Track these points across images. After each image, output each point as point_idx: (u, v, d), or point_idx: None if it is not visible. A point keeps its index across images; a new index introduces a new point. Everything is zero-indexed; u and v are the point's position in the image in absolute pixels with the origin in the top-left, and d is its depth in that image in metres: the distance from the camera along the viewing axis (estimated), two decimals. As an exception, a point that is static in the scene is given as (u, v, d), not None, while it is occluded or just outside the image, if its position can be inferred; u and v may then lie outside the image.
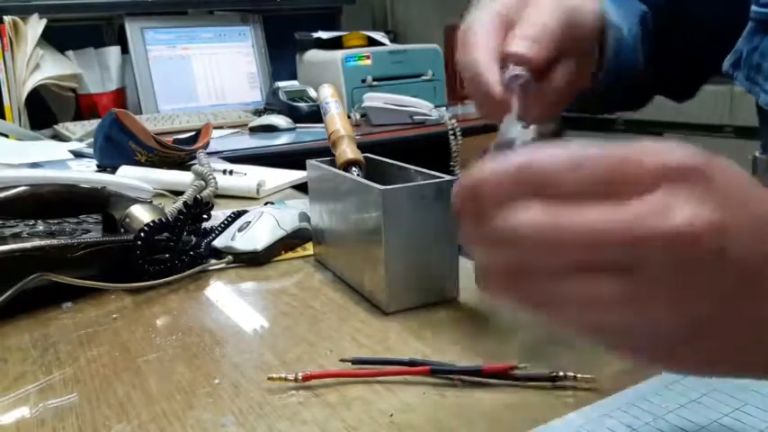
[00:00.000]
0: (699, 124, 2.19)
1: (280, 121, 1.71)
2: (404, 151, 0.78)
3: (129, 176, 0.98)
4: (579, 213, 0.25)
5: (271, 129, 1.70)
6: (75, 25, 2.01)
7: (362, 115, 1.77)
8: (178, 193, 0.95)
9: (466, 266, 0.58)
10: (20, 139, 1.61)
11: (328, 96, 0.75)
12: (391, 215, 0.53)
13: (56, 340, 0.53)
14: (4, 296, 0.53)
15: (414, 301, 0.55)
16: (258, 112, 1.92)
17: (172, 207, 0.78)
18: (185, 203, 0.70)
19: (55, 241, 0.61)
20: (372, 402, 0.42)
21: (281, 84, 1.93)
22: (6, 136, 1.59)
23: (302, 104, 1.83)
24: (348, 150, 0.67)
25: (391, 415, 0.40)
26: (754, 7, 0.57)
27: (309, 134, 1.64)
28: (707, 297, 0.26)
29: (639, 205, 0.25)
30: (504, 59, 0.44)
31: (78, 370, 0.48)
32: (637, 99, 0.70)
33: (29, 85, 1.73)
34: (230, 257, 0.69)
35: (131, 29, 1.95)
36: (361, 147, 0.69)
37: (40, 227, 0.69)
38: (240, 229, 0.70)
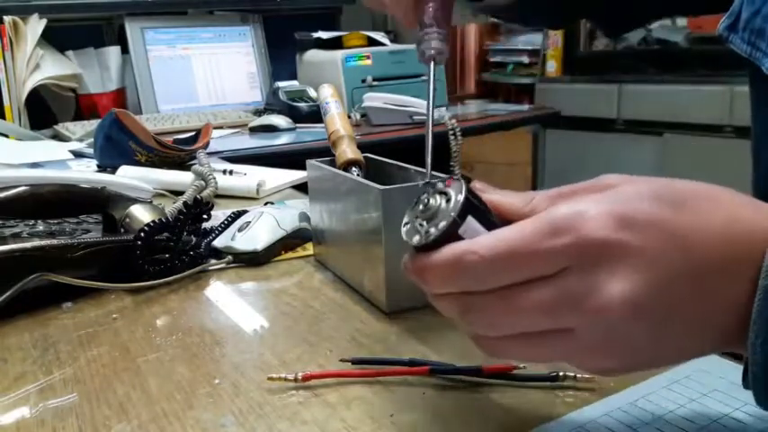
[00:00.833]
0: (699, 124, 2.19)
1: (280, 121, 1.71)
2: (404, 151, 0.78)
3: (129, 176, 0.98)
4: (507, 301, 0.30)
5: (271, 129, 1.70)
6: (76, 25, 2.01)
7: (362, 115, 1.77)
8: (178, 193, 0.95)
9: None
10: (20, 139, 1.61)
11: (328, 96, 0.75)
12: (391, 215, 0.53)
13: (56, 340, 0.53)
14: (5, 296, 0.53)
15: (414, 302, 0.55)
16: (258, 112, 1.92)
17: (172, 207, 0.78)
18: (185, 203, 0.70)
19: (55, 241, 0.61)
20: (372, 402, 0.42)
21: (281, 84, 1.93)
22: (6, 136, 1.59)
23: (302, 104, 1.83)
24: (348, 150, 0.67)
25: (391, 415, 0.40)
26: None
27: (309, 134, 1.64)
28: (629, 346, 0.30)
29: (559, 289, 0.29)
30: None
31: (78, 370, 0.48)
32: (559, 13, 0.67)
33: (29, 85, 1.73)
34: (230, 257, 0.69)
35: (131, 29, 1.95)
36: (361, 147, 0.69)
37: (40, 227, 0.69)
38: (240, 229, 0.70)
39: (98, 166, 1.18)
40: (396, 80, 1.92)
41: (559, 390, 0.42)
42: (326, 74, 1.87)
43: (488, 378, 0.43)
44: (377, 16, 2.63)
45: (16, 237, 0.64)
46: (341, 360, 0.46)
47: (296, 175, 1.08)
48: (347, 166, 0.66)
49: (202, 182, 0.95)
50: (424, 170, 0.59)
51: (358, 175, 0.64)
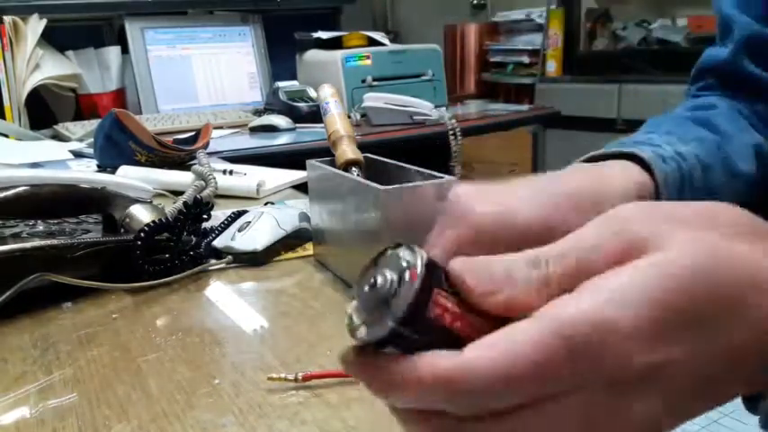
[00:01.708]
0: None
1: (280, 121, 1.71)
2: (404, 151, 0.78)
3: (129, 176, 0.98)
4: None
5: (271, 129, 1.70)
6: (76, 25, 2.01)
7: (362, 115, 1.77)
8: (178, 193, 0.95)
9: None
10: (20, 139, 1.61)
11: (328, 96, 0.75)
12: (391, 215, 0.53)
13: (56, 340, 0.53)
14: (4, 296, 0.53)
15: (414, 301, 0.55)
16: (258, 112, 1.92)
17: (172, 207, 0.78)
18: (185, 203, 0.70)
19: (55, 241, 0.61)
20: (372, 402, 0.42)
21: (281, 84, 1.93)
22: (6, 136, 1.59)
23: (302, 104, 1.83)
24: (348, 150, 0.67)
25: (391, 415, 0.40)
26: None
27: (309, 134, 1.64)
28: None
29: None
30: None
31: (78, 370, 0.48)
32: None
33: (29, 85, 1.73)
34: (230, 257, 0.69)
35: (131, 29, 1.95)
36: (361, 147, 0.69)
37: (40, 227, 0.69)
38: (240, 230, 0.70)
39: (98, 167, 1.18)
40: (396, 80, 1.92)
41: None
42: (326, 74, 1.87)
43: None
44: (377, 16, 2.63)
45: (16, 237, 0.64)
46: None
47: (296, 176, 1.08)
48: (347, 166, 0.66)
49: (202, 182, 0.95)
50: (423, 170, 0.59)
51: (358, 175, 0.64)
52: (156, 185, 0.97)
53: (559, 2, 2.39)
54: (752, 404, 0.30)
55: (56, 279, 0.56)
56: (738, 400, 0.32)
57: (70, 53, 1.91)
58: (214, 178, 0.95)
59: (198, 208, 0.69)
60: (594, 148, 0.49)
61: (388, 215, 0.53)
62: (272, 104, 1.91)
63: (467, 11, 2.55)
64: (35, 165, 1.27)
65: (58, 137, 1.68)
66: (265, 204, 0.80)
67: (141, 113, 1.88)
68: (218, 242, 0.71)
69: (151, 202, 0.77)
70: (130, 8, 1.99)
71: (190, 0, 2.08)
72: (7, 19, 1.72)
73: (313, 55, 2.02)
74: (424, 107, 1.70)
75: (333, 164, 0.67)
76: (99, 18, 2.04)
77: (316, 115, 1.40)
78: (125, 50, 1.96)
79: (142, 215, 0.69)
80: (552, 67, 2.53)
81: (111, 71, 1.95)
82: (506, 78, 2.59)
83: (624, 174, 0.41)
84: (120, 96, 1.98)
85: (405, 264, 0.24)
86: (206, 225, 0.73)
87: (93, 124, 1.58)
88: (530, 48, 2.49)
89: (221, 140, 1.54)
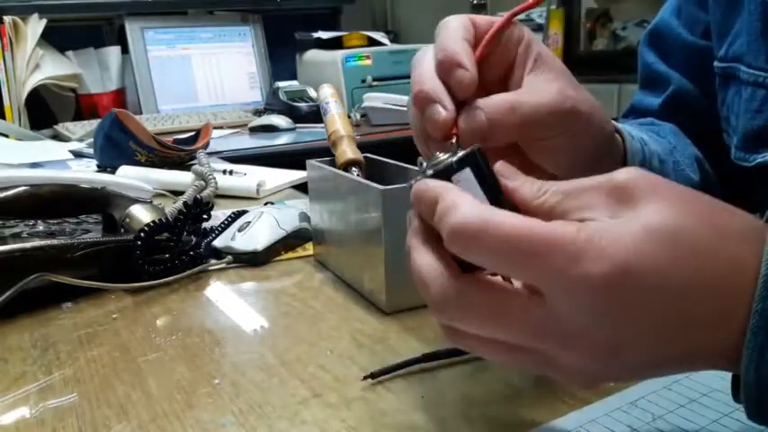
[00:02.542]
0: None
1: (280, 121, 1.72)
2: (404, 151, 0.78)
3: (129, 176, 0.98)
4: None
5: (271, 129, 1.70)
6: (76, 25, 2.01)
7: (362, 115, 1.77)
8: (178, 194, 0.95)
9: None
10: (20, 139, 1.61)
11: (328, 96, 0.75)
12: (391, 215, 0.53)
13: (56, 340, 0.53)
14: (5, 296, 0.53)
15: (414, 301, 0.55)
16: (258, 112, 1.92)
17: (172, 207, 0.78)
18: (185, 203, 0.70)
19: (55, 241, 0.61)
20: (372, 402, 0.42)
21: (280, 84, 1.93)
22: (6, 136, 1.59)
23: (302, 104, 1.83)
24: (348, 150, 0.67)
25: (391, 415, 0.40)
26: (715, 63, 0.57)
27: (309, 134, 1.64)
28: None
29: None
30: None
31: (78, 370, 0.48)
32: None
33: (29, 85, 1.74)
34: (230, 257, 0.69)
35: (131, 29, 1.96)
36: (361, 147, 0.69)
37: (40, 227, 0.69)
38: (240, 230, 0.70)
39: (98, 167, 1.18)
40: (396, 80, 1.92)
41: (559, 390, 0.42)
42: (326, 74, 1.87)
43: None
44: (377, 16, 2.63)
45: (16, 237, 0.64)
46: (364, 378, 0.44)
47: (296, 175, 1.08)
48: (347, 166, 0.66)
49: (202, 182, 0.95)
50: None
51: (358, 175, 0.64)
52: (156, 185, 0.97)
53: (559, 2, 2.39)
54: (737, 391, 0.30)
55: (56, 279, 0.56)
56: (734, 403, 0.32)
57: (70, 53, 1.91)
58: (214, 178, 0.95)
59: (198, 208, 0.69)
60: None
61: (388, 215, 0.53)
62: (272, 104, 1.91)
63: (467, 11, 2.55)
64: (35, 165, 1.27)
65: (58, 137, 1.69)
66: (265, 204, 0.80)
67: (141, 113, 1.88)
68: (219, 242, 0.71)
69: (151, 202, 0.77)
70: (130, 8, 1.99)
71: (190, 0, 2.08)
72: (7, 19, 1.72)
73: (313, 55, 2.02)
74: (424, 107, 1.69)
75: (333, 164, 0.67)
76: (99, 18, 2.04)
77: (316, 115, 1.40)
78: (125, 50, 1.96)
79: (142, 215, 0.69)
80: (552, 67, 2.53)
81: (111, 71, 1.95)
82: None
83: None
84: (120, 96, 1.98)
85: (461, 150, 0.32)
86: (206, 225, 0.73)
87: (93, 124, 1.58)
88: (530, 48, 2.49)
89: (221, 140, 1.54)
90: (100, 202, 0.72)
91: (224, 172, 1.04)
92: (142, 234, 0.63)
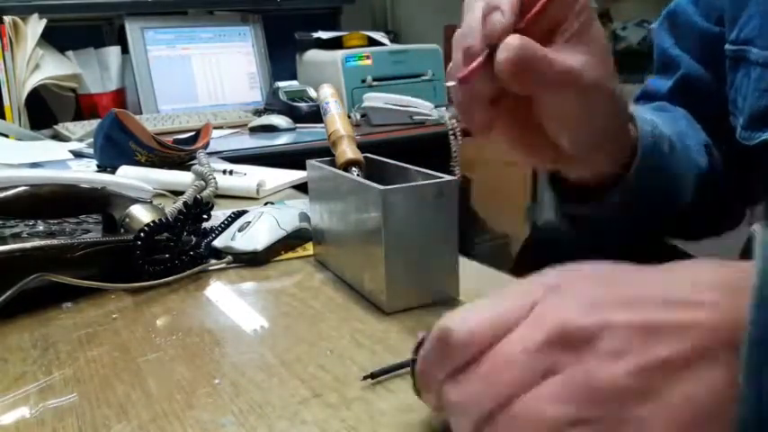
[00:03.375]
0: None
1: (280, 121, 1.71)
2: (404, 151, 0.78)
3: (129, 176, 0.98)
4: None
5: (271, 129, 1.70)
6: (76, 25, 2.01)
7: (362, 115, 1.77)
8: (178, 194, 0.95)
9: (466, 267, 0.58)
10: (20, 139, 1.61)
11: (328, 96, 0.75)
12: (391, 215, 0.53)
13: (56, 340, 0.53)
14: (4, 296, 0.53)
15: (414, 302, 0.55)
16: (258, 112, 1.92)
17: (172, 207, 0.78)
18: (185, 203, 0.70)
19: (55, 241, 0.61)
20: (372, 402, 0.42)
21: (280, 84, 1.93)
22: (6, 136, 1.59)
23: (302, 104, 1.83)
24: (348, 150, 0.67)
25: (391, 415, 0.40)
26: (726, 45, 0.58)
27: (309, 134, 1.64)
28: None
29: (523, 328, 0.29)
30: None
31: (78, 370, 0.48)
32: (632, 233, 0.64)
33: (29, 85, 1.74)
34: (230, 257, 0.69)
35: (131, 29, 1.96)
36: (361, 147, 0.69)
37: (40, 227, 0.69)
38: (240, 230, 0.70)
39: (98, 167, 1.18)
40: (396, 80, 1.92)
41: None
42: (326, 74, 1.87)
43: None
44: (377, 16, 2.63)
45: (16, 237, 0.64)
46: (363, 378, 0.44)
47: (296, 175, 1.08)
48: (347, 166, 0.66)
49: (202, 182, 0.95)
50: (423, 170, 0.59)
51: (358, 175, 0.64)
52: (155, 185, 0.97)
53: (559, 2, 2.40)
54: None
55: (56, 279, 0.56)
56: None
57: (70, 53, 1.91)
58: (214, 178, 0.95)
59: (198, 208, 0.69)
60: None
61: (388, 215, 0.53)
62: (272, 104, 1.91)
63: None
64: (35, 165, 1.27)
65: (57, 137, 1.68)
66: (265, 204, 0.80)
67: (141, 113, 1.88)
68: (219, 242, 0.71)
69: (151, 202, 0.77)
70: (130, 8, 1.99)
71: (190, 0, 2.08)
72: (7, 19, 1.72)
73: (313, 55, 2.02)
74: (424, 107, 1.70)
75: (333, 164, 0.67)
76: (99, 18, 2.04)
77: (316, 115, 1.40)
78: (125, 50, 1.96)
79: (142, 215, 0.69)
80: (552, 67, 2.53)
81: (110, 71, 1.95)
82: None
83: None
84: (120, 96, 1.98)
85: None
86: (206, 225, 0.73)
87: (92, 124, 1.58)
88: (530, 48, 2.49)
89: (221, 140, 1.54)
90: (100, 202, 0.72)
91: (224, 172, 1.04)
92: (142, 234, 0.63)
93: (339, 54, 1.88)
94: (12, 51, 1.73)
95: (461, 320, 0.31)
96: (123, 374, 0.47)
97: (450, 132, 1.53)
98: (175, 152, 1.17)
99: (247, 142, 1.59)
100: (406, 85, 1.91)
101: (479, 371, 0.29)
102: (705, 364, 0.25)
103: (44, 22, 1.77)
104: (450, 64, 0.44)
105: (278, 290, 0.63)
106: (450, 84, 0.44)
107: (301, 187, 1.03)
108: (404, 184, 0.55)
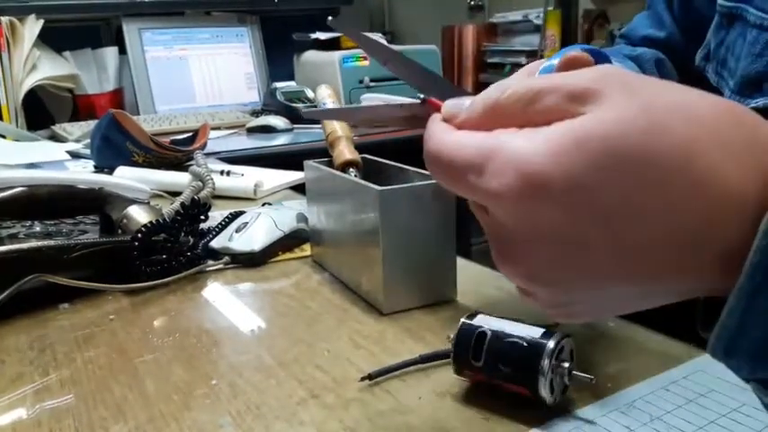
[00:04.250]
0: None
1: (277, 121, 1.71)
2: (401, 152, 0.78)
3: (127, 177, 0.97)
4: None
5: (268, 129, 1.70)
6: (73, 26, 2.00)
7: (360, 116, 1.76)
8: (175, 194, 0.95)
9: (463, 267, 0.58)
10: (17, 140, 1.60)
11: (326, 97, 0.75)
12: (389, 216, 0.53)
13: (53, 341, 0.52)
14: (1, 297, 0.53)
15: (411, 302, 0.55)
16: (256, 113, 1.92)
17: (169, 208, 0.78)
18: (183, 204, 0.70)
19: (52, 242, 0.61)
20: (370, 403, 0.42)
21: (278, 84, 1.93)
22: (3, 137, 1.59)
23: (300, 105, 1.83)
24: (346, 151, 0.67)
25: (389, 416, 0.40)
26: (719, 0, 0.58)
27: (307, 135, 1.64)
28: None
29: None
30: None
31: (75, 371, 0.48)
32: None
33: (26, 86, 1.73)
34: (228, 258, 0.68)
35: (129, 29, 1.95)
36: (359, 147, 0.69)
37: (37, 228, 0.69)
38: (237, 230, 0.70)
39: (95, 167, 1.18)
40: (393, 81, 1.92)
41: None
42: (324, 74, 1.87)
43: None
44: (374, 17, 2.63)
45: (13, 238, 0.64)
46: (361, 379, 0.44)
47: (293, 176, 1.08)
48: (345, 166, 0.66)
49: (200, 183, 0.95)
50: (421, 171, 0.59)
51: (355, 175, 0.64)
52: (153, 186, 0.97)
53: (557, 3, 2.39)
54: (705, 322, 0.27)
55: (53, 280, 0.56)
56: (731, 404, 0.32)
57: (67, 54, 1.91)
58: (211, 179, 0.95)
59: (195, 209, 0.69)
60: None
61: (385, 216, 0.53)
62: (270, 105, 1.91)
63: (464, 12, 2.55)
64: (32, 165, 1.27)
65: (55, 137, 1.68)
66: (263, 205, 0.80)
67: (138, 114, 1.87)
68: (216, 243, 0.71)
69: (148, 202, 0.77)
70: (128, 9, 1.99)
71: (187, 1, 2.07)
72: (4, 20, 1.72)
73: (310, 56, 2.02)
74: (421, 108, 1.69)
75: (330, 164, 0.67)
76: (96, 19, 2.04)
77: (313, 116, 1.40)
78: (122, 51, 1.96)
79: (139, 216, 0.69)
80: (550, 68, 2.53)
81: (108, 72, 1.95)
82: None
83: None
84: (117, 97, 1.97)
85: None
86: (203, 226, 0.73)
87: (90, 125, 1.58)
88: (527, 49, 2.49)
89: (219, 141, 1.53)
90: (97, 203, 0.72)
91: (221, 173, 1.04)
92: (139, 235, 0.63)
93: (336, 55, 1.88)
94: (9, 52, 1.72)
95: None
96: (120, 375, 0.47)
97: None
98: (173, 153, 1.17)
99: (245, 143, 1.59)
100: (403, 86, 1.91)
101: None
102: None
103: (41, 22, 1.77)
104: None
105: (275, 291, 0.63)
106: None
107: (299, 188, 1.03)
108: (401, 185, 0.55)
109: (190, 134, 1.34)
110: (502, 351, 0.39)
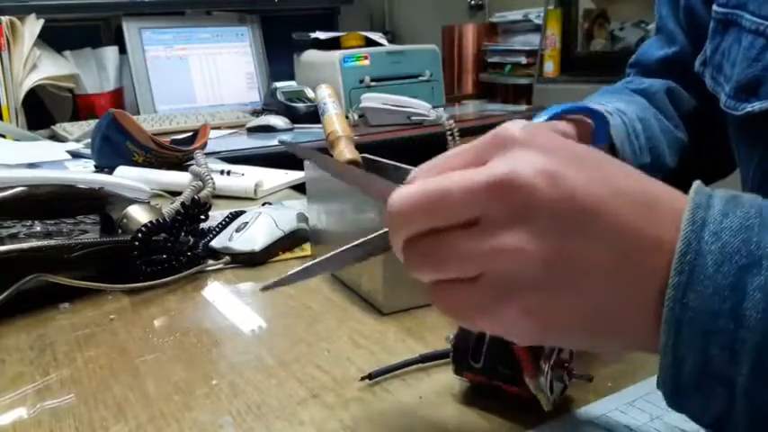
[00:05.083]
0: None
1: (277, 121, 1.71)
2: (401, 152, 0.78)
3: (127, 177, 0.97)
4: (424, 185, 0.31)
5: (268, 129, 1.70)
6: (73, 25, 2.00)
7: (360, 116, 1.77)
8: (176, 194, 0.95)
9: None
10: (17, 140, 1.61)
11: (326, 97, 0.75)
12: (389, 216, 0.53)
13: (53, 341, 0.52)
14: (2, 297, 0.53)
15: (411, 302, 0.55)
16: (256, 113, 1.92)
17: (169, 207, 0.78)
18: (183, 204, 0.70)
19: (52, 242, 0.61)
20: (370, 403, 0.42)
21: (278, 84, 1.93)
22: (4, 136, 1.59)
23: (300, 105, 1.83)
24: (346, 151, 0.67)
25: (389, 416, 0.40)
26: (714, 6, 0.58)
27: (307, 134, 1.64)
28: (545, 235, 0.28)
29: (473, 170, 0.30)
30: None
31: (76, 371, 0.48)
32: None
33: (26, 86, 1.73)
34: (228, 258, 0.69)
35: (129, 29, 1.95)
36: (359, 147, 0.70)
37: (38, 227, 0.69)
38: (238, 230, 0.70)
39: (95, 167, 1.18)
40: (393, 80, 1.92)
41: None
42: (324, 74, 1.87)
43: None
44: (375, 16, 2.63)
45: (13, 237, 0.64)
46: (362, 378, 0.44)
47: (294, 176, 1.08)
48: (345, 166, 0.66)
49: (200, 182, 0.95)
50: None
51: (356, 175, 0.64)
52: (153, 186, 0.97)
53: (557, 2, 2.39)
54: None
55: (53, 280, 0.56)
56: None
57: (67, 53, 1.91)
58: (212, 179, 0.95)
59: (195, 208, 0.69)
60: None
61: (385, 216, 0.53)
62: (270, 105, 1.91)
63: (464, 11, 2.55)
64: (32, 165, 1.27)
65: (55, 137, 1.68)
66: (263, 205, 0.80)
67: (139, 114, 1.88)
68: (216, 243, 0.71)
69: (149, 202, 0.77)
70: (128, 8, 1.99)
71: (187, 0, 2.07)
72: (4, 19, 1.72)
73: (311, 55, 2.02)
74: (421, 108, 1.69)
75: (330, 164, 0.67)
76: (96, 18, 2.04)
77: (313, 115, 1.40)
78: (122, 51, 1.96)
79: (140, 216, 0.69)
80: (550, 67, 2.53)
81: (108, 71, 1.95)
82: (504, 79, 2.58)
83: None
84: (117, 96, 1.97)
85: None
86: (203, 225, 0.73)
87: (90, 125, 1.58)
88: (527, 48, 2.49)
89: (219, 141, 1.54)
90: (97, 203, 0.72)
91: (221, 172, 1.04)
92: (140, 235, 0.63)
93: (337, 54, 1.88)
94: (9, 51, 1.72)
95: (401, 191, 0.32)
96: (121, 375, 0.47)
97: (448, 133, 1.53)
98: (173, 152, 1.17)
99: (245, 142, 1.59)
100: (403, 86, 1.91)
101: (423, 185, 0.31)
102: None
103: (41, 22, 1.77)
104: None
105: (275, 290, 0.63)
106: None
107: (299, 188, 1.03)
108: (401, 185, 0.55)
109: (190, 134, 1.34)
110: (501, 352, 0.39)
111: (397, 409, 0.41)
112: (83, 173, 1.15)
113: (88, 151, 1.24)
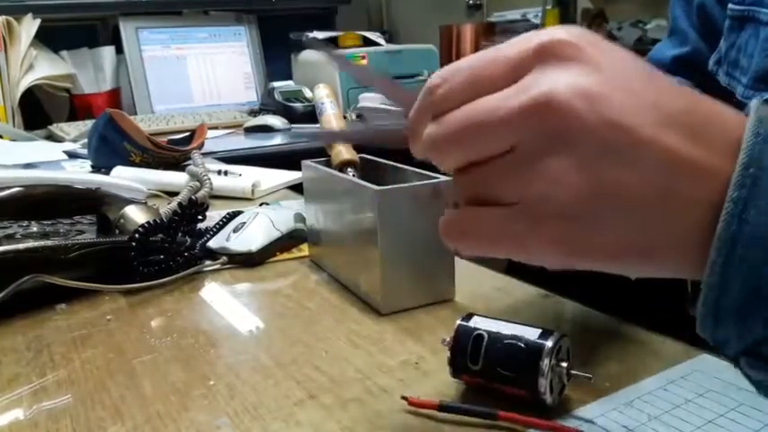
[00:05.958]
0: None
1: (275, 121, 1.71)
2: (399, 152, 0.77)
3: (124, 177, 0.97)
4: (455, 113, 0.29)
5: (266, 129, 1.70)
6: (70, 25, 2.00)
7: (358, 116, 1.76)
8: (173, 194, 0.95)
9: (462, 267, 0.58)
10: (14, 140, 1.60)
11: (324, 96, 0.74)
12: (387, 216, 0.53)
13: (50, 342, 0.52)
14: (-2, 298, 0.53)
15: (409, 303, 0.55)
16: (253, 113, 1.92)
17: (166, 208, 0.78)
18: (180, 204, 0.70)
19: (49, 242, 0.60)
20: (368, 404, 0.42)
21: (276, 84, 1.93)
22: (0, 137, 1.59)
23: (297, 105, 1.83)
24: (343, 151, 0.67)
25: (387, 416, 0.40)
26: (730, 5, 0.59)
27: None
28: (584, 164, 0.27)
29: (507, 89, 0.28)
30: None
31: (72, 371, 0.47)
32: None
33: (23, 86, 1.73)
34: (225, 258, 0.68)
35: (126, 29, 1.95)
36: (357, 147, 0.69)
37: (34, 228, 0.68)
38: (235, 230, 0.70)
39: (92, 167, 1.18)
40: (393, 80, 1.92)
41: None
42: (322, 74, 1.87)
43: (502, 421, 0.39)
44: (372, 16, 2.63)
45: (10, 238, 0.64)
46: (405, 399, 0.41)
47: (291, 176, 1.07)
48: (343, 166, 0.66)
49: (197, 182, 0.95)
50: (419, 170, 0.59)
51: (353, 175, 0.64)
52: (150, 186, 0.97)
53: (555, 2, 2.39)
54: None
55: (50, 280, 0.56)
56: (729, 403, 0.33)
57: (64, 53, 1.90)
58: (209, 179, 0.95)
59: (193, 209, 0.69)
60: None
61: (383, 216, 0.53)
62: (268, 105, 1.91)
63: (463, 11, 2.55)
64: (29, 165, 1.27)
65: (52, 137, 1.68)
66: (260, 205, 0.80)
67: (136, 114, 1.87)
68: (213, 243, 0.71)
69: (146, 202, 0.77)
70: (125, 8, 1.98)
71: (184, 0, 2.07)
72: (1, 19, 1.71)
73: (308, 55, 2.02)
74: (419, 107, 1.69)
75: (328, 164, 0.67)
76: (93, 18, 2.03)
77: (311, 115, 1.40)
78: (119, 50, 1.95)
79: (137, 216, 0.68)
80: (547, 67, 2.53)
81: (105, 71, 1.95)
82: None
83: None
84: (114, 96, 1.97)
85: None
86: (201, 226, 0.73)
87: (87, 125, 1.58)
88: (525, 48, 2.50)
89: (216, 141, 1.53)
90: (94, 203, 0.72)
91: (219, 172, 1.04)
92: (137, 235, 0.62)
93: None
94: (5, 51, 1.72)
95: (441, 70, 0.31)
96: (118, 376, 0.46)
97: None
98: (170, 153, 1.17)
99: (242, 143, 1.59)
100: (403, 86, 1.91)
101: (455, 118, 0.29)
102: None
103: (38, 21, 1.76)
104: None
105: (273, 291, 0.63)
106: None
107: (297, 188, 1.03)
108: (399, 185, 0.55)
109: (187, 134, 1.34)
110: (500, 354, 0.39)
111: (395, 410, 0.41)
112: (80, 173, 1.15)
113: (85, 151, 1.24)
